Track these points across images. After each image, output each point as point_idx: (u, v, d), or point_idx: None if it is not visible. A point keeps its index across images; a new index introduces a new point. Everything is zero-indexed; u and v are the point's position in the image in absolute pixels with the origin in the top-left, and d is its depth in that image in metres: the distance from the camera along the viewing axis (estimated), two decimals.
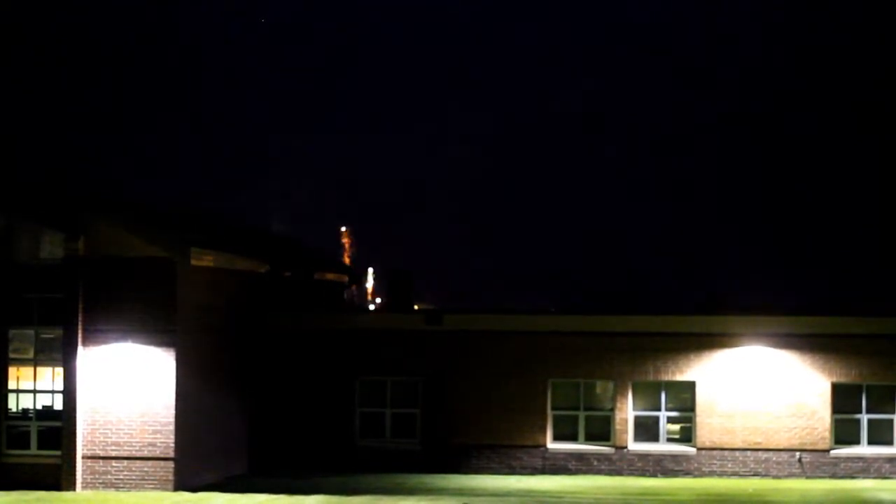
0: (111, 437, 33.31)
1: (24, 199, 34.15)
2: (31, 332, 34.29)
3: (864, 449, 36.07)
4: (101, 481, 33.28)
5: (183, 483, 33.34)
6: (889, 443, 36.11)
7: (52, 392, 34.14)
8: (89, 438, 33.34)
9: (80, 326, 33.32)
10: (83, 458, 33.31)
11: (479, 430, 36.99)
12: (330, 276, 46.05)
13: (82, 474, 33.27)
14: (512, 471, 36.73)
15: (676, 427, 36.81)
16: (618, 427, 36.72)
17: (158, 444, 33.19)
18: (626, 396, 36.69)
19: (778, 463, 36.06)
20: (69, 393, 33.37)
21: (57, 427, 33.64)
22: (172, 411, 33.22)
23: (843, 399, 36.28)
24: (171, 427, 33.18)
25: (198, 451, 34.24)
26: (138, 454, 33.23)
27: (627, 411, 36.68)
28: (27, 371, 34.31)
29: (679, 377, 36.57)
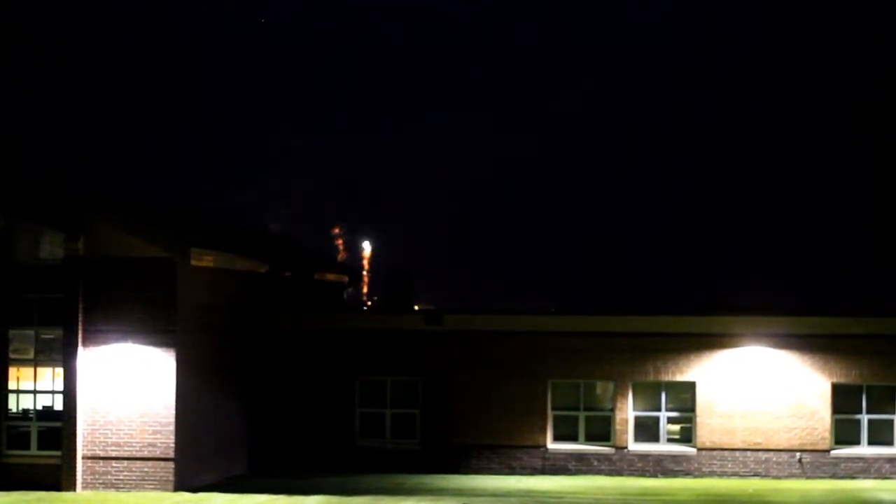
0: (111, 438, 33.31)
1: (24, 199, 34.15)
2: (31, 332, 34.29)
3: (864, 449, 36.06)
4: (101, 482, 33.28)
5: (183, 483, 33.34)
6: (889, 443, 36.10)
7: (53, 392, 34.14)
8: (89, 439, 33.34)
9: (80, 327, 33.32)
10: (83, 458, 33.30)
11: (479, 431, 36.99)
12: (330, 276, 46.04)
13: (82, 475, 33.27)
14: (512, 471, 36.72)
15: (677, 427, 36.81)
16: (618, 427, 36.71)
17: (158, 445, 33.19)
18: (626, 397, 36.69)
19: (778, 463, 36.06)
20: (69, 393, 33.36)
21: (57, 427, 33.64)
22: (172, 411, 33.21)
23: (844, 399, 36.27)
24: (172, 427, 33.17)
25: (198, 451, 34.23)
26: (138, 454, 33.22)
27: (628, 411, 36.67)
28: (27, 371, 34.31)
29: (679, 377, 36.57)
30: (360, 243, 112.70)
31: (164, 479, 33.10)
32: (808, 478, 35.86)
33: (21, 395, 34.34)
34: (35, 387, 34.25)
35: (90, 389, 33.39)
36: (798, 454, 36.09)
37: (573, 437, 37.00)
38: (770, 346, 36.34)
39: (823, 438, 36.08)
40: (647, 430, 36.75)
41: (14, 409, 34.33)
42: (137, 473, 33.14)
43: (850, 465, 35.88)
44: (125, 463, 33.25)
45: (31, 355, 34.35)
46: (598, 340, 36.86)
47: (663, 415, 36.76)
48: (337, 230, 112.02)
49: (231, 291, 36.77)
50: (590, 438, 36.95)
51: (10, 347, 34.31)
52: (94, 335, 33.44)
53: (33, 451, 33.98)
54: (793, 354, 36.28)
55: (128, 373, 33.37)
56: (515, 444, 36.86)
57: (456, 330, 37.40)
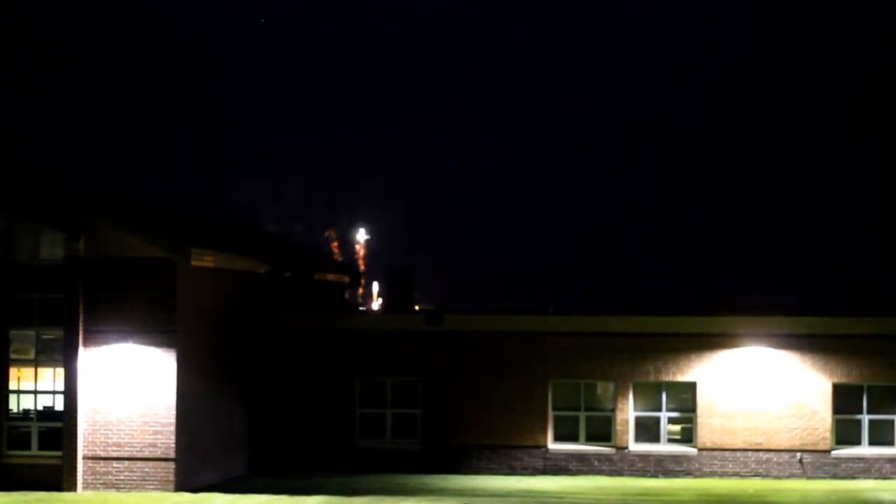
0: (112, 438, 33.30)
1: (24, 199, 34.14)
2: (31, 332, 34.29)
3: (864, 449, 36.06)
4: (101, 482, 33.27)
5: (183, 483, 33.33)
6: (890, 443, 36.09)
7: (53, 393, 34.13)
8: (90, 439, 33.33)
9: (80, 327, 33.31)
10: (84, 458, 33.30)
11: (479, 431, 36.98)
12: (330, 276, 46.03)
13: (83, 475, 33.26)
14: (512, 471, 36.71)
15: (677, 427, 36.80)
16: (619, 427, 36.70)
17: (159, 445, 33.18)
18: (626, 397, 36.68)
19: (779, 463, 36.05)
20: (70, 393, 33.35)
21: (58, 428, 33.64)
22: (173, 412, 33.20)
23: (844, 399, 36.26)
24: (172, 427, 33.16)
25: (198, 451, 34.23)
26: (139, 455, 33.21)
27: (628, 412, 36.67)
28: (28, 372, 34.31)
29: (680, 378, 36.56)
30: (355, 235, 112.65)
31: (165, 479, 33.10)
32: (808, 478, 35.86)
33: (22, 396, 34.34)
34: (36, 387, 34.25)
35: (91, 390, 33.38)
36: (799, 454, 36.08)
37: (574, 438, 36.99)
38: (770, 346, 36.33)
39: (824, 438, 36.07)
40: (647, 430, 36.74)
41: (15, 410, 34.33)
42: (138, 474, 33.13)
43: (850, 465, 35.87)
44: (126, 463, 33.24)
45: (31, 356, 34.35)
46: (598, 340, 36.85)
47: (664, 415, 36.75)
48: (331, 233, 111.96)
49: (231, 291, 36.76)
50: (590, 439, 36.94)
51: (11, 348, 34.31)
52: (95, 335, 33.43)
53: (34, 451, 33.98)
54: (793, 354, 36.27)
55: (128, 373, 33.36)
56: (516, 444, 36.85)
57: (456, 330, 37.39)
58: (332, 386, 37.63)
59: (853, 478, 35.74)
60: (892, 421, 36.21)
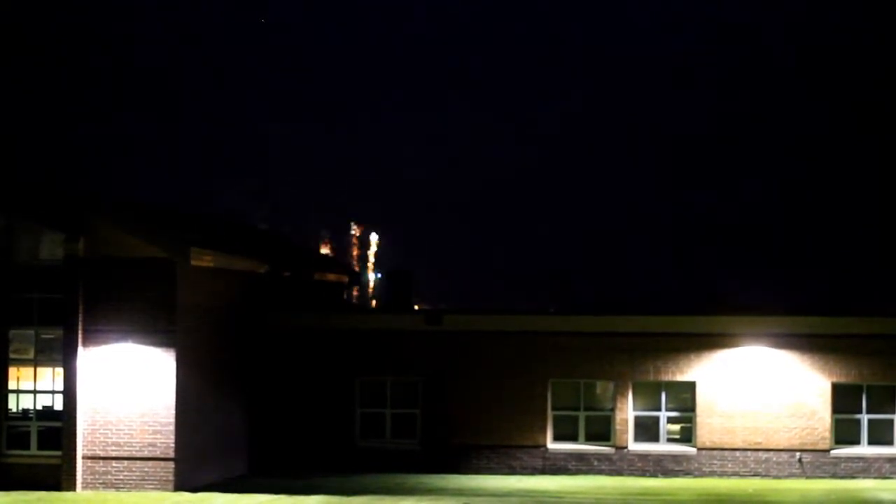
0: (111, 438, 33.31)
1: (24, 199, 34.14)
2: (31, 332, 34.28)
3: (864, 449, 36.07)
4: (101, 481, 33.28)
5: (183, 483, 33.34)
6: (889, 443, 36.10)
7: (53, 392, 34.13)
8: (89, 439, 33.34)
9: (80, 327, 33.31)
10: (83, 458, 33.30)
11: (479, 431, 36.99)
12: (330, 276, 46.05)
13: (82, 474, 33.27)
14: (512, 471, 36.72)
15: (677, 427, 36.81)
16: (618, 427, 36.72)
17: (158, 445, 33.19)
18: (626, 396, 36.69)
19: (778, 463, 36.06)
20: (69, 393, 33.36)
21: (57, 427, 33.64)
22: (172, 411, 33.21)
23: (844, 399, 36.27)
24: (172, 427, 33.17)
25: (198, 451, 34.24)
26: (138, 454, 33.22)
27: (628, 411, 36.68)
28: (27, 371, 34.30)
29: (679, 377, 36.57)
30: (351, 237, 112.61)
31: (164, 479, 33.10)
32: (808, 477, 35.86)
33: (21, 395, 34.34)
34: (35, 387, 34.24)
35: (90, 389, 33.39)
36: (798, 454, 36.09)
37: (573, 437, 37.00)
38: (770, 345, 36.34)
39: (823, 438, 36.08)
40: (647, 429, 36.75)
41: (14, 409, 34.32)
42: (137, 473, 33.14)
43: (850, 464, 35.88)
44: (125, 463, 33.25)
45: (31, 355, 34.34)
46: (598, 340, 36.86)
47: (663, 415, 36.76)
48: (326, 240, 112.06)
49: (231, 291, 36.77)
50: (590, 438, 36.95)
51: (11, 347, 34.30)
52: (94, 335, 33.44)
53: (33, 451, 33.97)
54: (793, 354, 36.28)
55: (128, 373, 33.37)
56: (515, 444, 36.86)
57: (456, 330, 37.40)
58: (332, 386, 37.64)
59: (852, 477, 35.75)
60: (892, 420, 36.22)
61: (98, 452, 33.35)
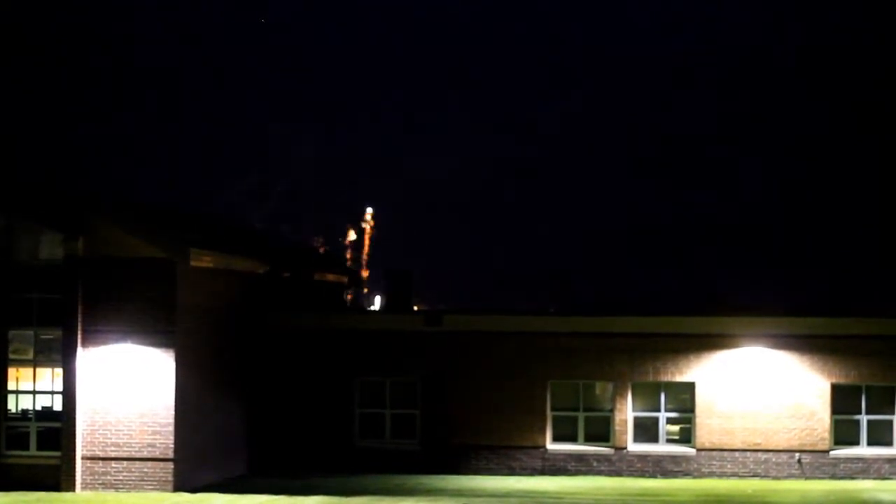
0: (111, 438, 33.32)
1: (24, 199, 34.15)
2: (30, 332, 34.30)
3: (863, 450, 36.07)
4: (100, 482, 33.28)
5: (182, 484, 33.34)
6: (889, 444, 36.11)
7: (52, 393, 34.14)
8: (89, 439, 33.34)
9: (79, 327, 33.32)
10: (83, 458, 33.31)
11: (478, 431, 37.00)
12: (330, 276, 46.05)
13: (82, 475, 33.28)
14: (511, 472, 36.72)
15: (676, 428, 36.81)
16: (617, 428, 36.72)
17: (158, 445, 33.19)
18: (625, 397, 36.69)
19: (777, 464, 36.06)
20: (69, 394, 33.37)
21: (56, 428, 33.65)
22: (172, 412, 33.22)
23: (843, 400, 36.28)
24: (171, 428, 33.18)
25: (197, 451, 34.24)
26: (138, 455, 33.23)
27: (627, 412, 36.68)
28: (27, 372, 34.32)
29: (679, 378, 36.57)
30: (347, 239, 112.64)
31: (164, 479, 33.11)
32: (807, 478, 35.87)
33: (20, 396, 34.35)
34: (34, 387, 34.26)
35: (89, 390, 33.40)
36: (797, 454, 36.10)
37: (572, 438, 37.01)
38: (769, 346, 36.34)
39: (823, 439, 36.08)
40: (646, 430, 36.76)
41: (13, 410, 34.34)
42: (137, 474, 33.14)
43: (849, 465, 35.88)
44: (124, 463, 33.26)
45: (30, 356, 34.35)
46: (597, 341, 36.87)
47: (662, 415, 36.76)
48: (319, 242, 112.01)
49: (231, 292, 36.78)
50: (589, 439, 36.95)
51: (10, 348, 34.32)
52: (94, 335, 33.44)
53: (32, 451, 33.99)
54: (792, 355, 36.29)
55: (127, 373, 33.37)
56: (515, 444, 36.87)
57: (455, 330, 37.40)
58: (332, 386, 37.65)
59: (852, 478, 35.75)
60: (891, 421, 36.22)
61: (97, 453, 33.36)
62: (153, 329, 33.25)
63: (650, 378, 36.68)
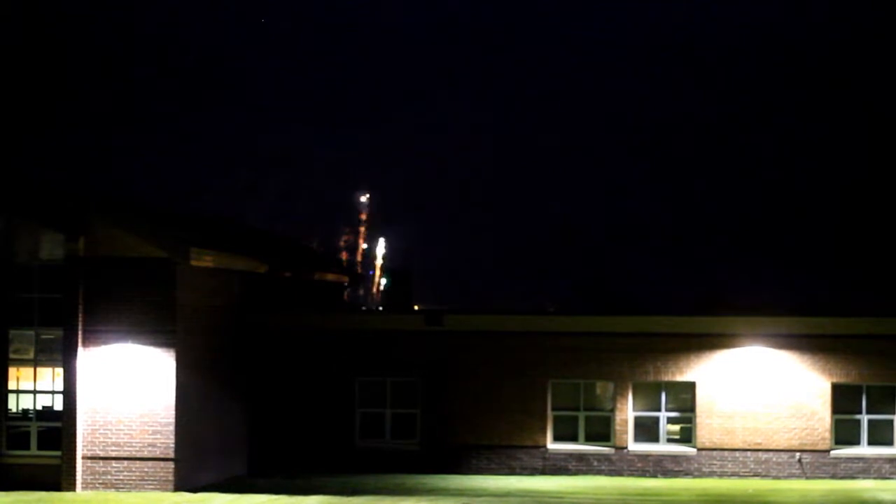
0: (111, 438, 33.32)
1: (24, 199, 34.15)
2: (31, 332, 34.30)
3: (864, 449, 36.07)
4: (100, 482, 33.28)
5: (183, 483, 33.35)
6: (889, 443, 36.11)
7: (52, 392, 34.14)
8: (89, 439, 33.34)
9: (80, 327, 33.32)
10: (83, 458, 33.31)
11: (478, 431, 36.99)
12: (330, 276, 46.04)
13: (82, 475, 33.27)
14: (512, 471, 36.72)
15: (676, 427, 36.81)
16: (618, 427, 36.71)
17: (158, 445, 33.19)
18: (626, 397, 36.69)
19: (778, 463, 36.06)
20: (69, 393, 33.37)
21: (57, 427, 33.65)
22: (172, 412, 33.22)
23: (843, 399, 36.27)
24: (171, 427, 33.18)
25: (198, 451, 34.24)
26: (138, 455, 33.23)
27: (627, 412, 36.68)
28: (27, 371, 34.32)
29: (679, 378, 36.57)
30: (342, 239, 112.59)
31: (164, 479, 33.11)
32: (807, 478, 35.86)
33: (21, 396, 34.35)
34: (35, 387, 34.26)
35: (90, 390, 33.40)
36: (798, 454, 36.09)
37: (573, 438, 37.00)
38: (770, 346, 36.34)
39: (823, 438, 36.08)
40: (646, 430, 36.75)
41: (14, 410, 34.34)
42: (137, 473, 33.14)
43: (849, 465, 35.88)
44: (125, 463, 33.26)
45: (31, 355, 34.35)
46: (598, 340, 36.86)
47: (663, 415, 36.76)
48: (314, 244, 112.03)
49: (231, 291, 36.78)
50: (590, 439, 36.94)
51: (11, 348, 34.32)
52: (94, 335, 33.44)
53: (33, 451, 33.99)
54: (792, 354, 36.28)
55: (127, 373, 33.37)
56: (515, 444, 36.86)
57: (456, 330, 37.39)
58: (332, 386, 37.64)
59: (852, 478, 35.75)
60: (891, 421, 36.22)
61: (98, 452, 33.36)
62: (154, 329, 33.24)
63: (651, 378, 36.68)
